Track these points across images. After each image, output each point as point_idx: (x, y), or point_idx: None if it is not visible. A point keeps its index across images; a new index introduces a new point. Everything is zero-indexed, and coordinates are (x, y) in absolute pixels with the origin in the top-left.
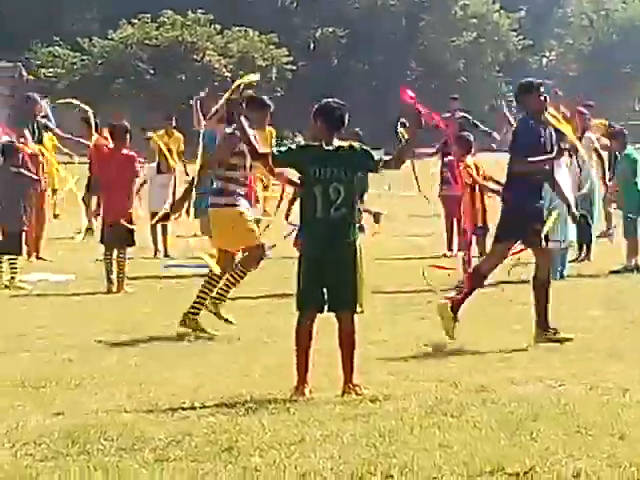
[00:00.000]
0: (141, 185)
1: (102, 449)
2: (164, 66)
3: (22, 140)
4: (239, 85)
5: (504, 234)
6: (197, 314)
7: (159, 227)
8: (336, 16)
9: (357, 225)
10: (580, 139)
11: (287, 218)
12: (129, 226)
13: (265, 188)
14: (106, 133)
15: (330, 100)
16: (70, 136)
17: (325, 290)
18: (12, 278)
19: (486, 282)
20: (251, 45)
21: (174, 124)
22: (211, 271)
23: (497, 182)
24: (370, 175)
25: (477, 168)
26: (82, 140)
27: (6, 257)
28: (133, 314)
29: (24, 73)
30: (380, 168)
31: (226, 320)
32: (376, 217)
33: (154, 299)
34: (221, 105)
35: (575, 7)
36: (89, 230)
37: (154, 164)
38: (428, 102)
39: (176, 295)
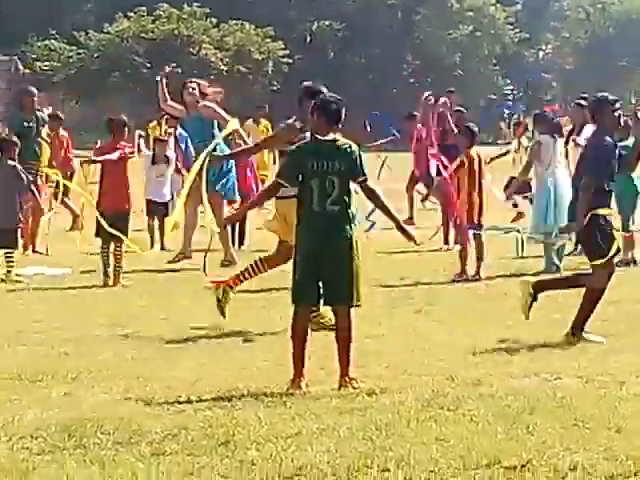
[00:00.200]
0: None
1: (99, 443)
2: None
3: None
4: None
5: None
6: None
7: (156, 220)
8: (332, 9)
9: (354, 218)
10: (579, 132)
11: None
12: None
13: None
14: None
15: (328, 94)
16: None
17: (321, 284)
18: (8, 272)
19: (483, 276)
20: (247, 38)
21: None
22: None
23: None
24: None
25: (479, 158)
26: None
27: (2, 251)
28: (129, 307)
29: (20, 67)
30: (360, 186)
31: (222, 312)
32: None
33: (150, 292)
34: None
35: (571, 0)
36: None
37: (149, 153)
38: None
39: (172, 289)
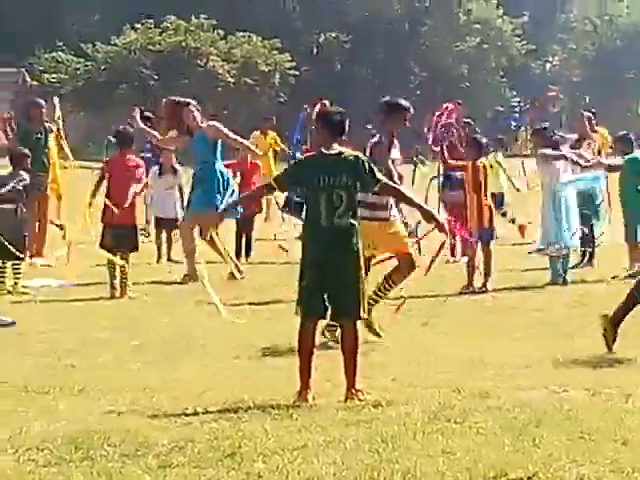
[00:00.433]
0: (142, 190)
1: (105, 455)
2: (167, 71)
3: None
4: None
5: None
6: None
7: (164, 232)
8: (339, 21)
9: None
10: (581, 145)
11: None
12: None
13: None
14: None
15: (331, 107)
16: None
17: (327, 296)
18: (15, 283)
19: (490, 288)
20: (254, 50)
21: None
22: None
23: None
24: None
25: (485, 171)
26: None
27: (10, 262)
28: (136, 319)
29: (27, 78)
30: (376, 189)
31: (377, 333)
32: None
33: (157, 304)
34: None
35: (578, 12)
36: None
37: (156, 168)
38: (432, 107)
39: (179, 300)
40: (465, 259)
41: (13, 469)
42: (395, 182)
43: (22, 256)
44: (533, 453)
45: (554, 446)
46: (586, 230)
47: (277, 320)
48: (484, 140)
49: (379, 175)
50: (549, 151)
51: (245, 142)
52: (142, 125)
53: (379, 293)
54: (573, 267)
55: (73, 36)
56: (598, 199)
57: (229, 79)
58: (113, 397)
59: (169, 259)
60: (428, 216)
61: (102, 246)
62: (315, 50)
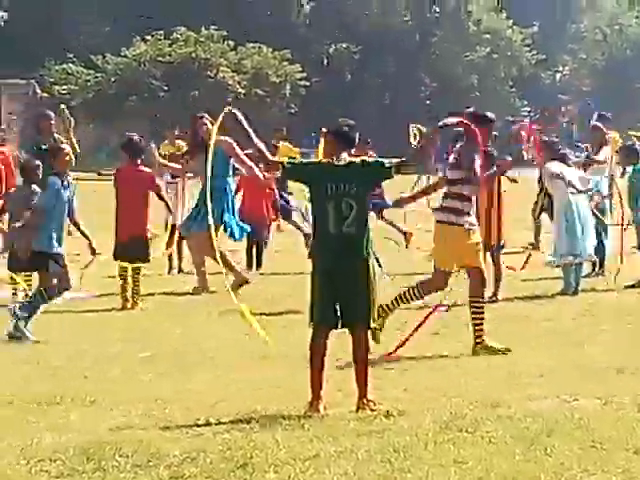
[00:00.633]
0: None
1: (117, 466)
2: (178, 83)
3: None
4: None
5: None
6: (481, 336)
7: (175, 243)
8: (349, 32)
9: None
10: (597, 153)
11: None
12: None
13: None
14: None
15: (341, 120)
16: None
17: (338, 306)
18: (27, 295)
19: (500, 297)
20: (265, 61)
21: (177, 133)
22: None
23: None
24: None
25: (498, 179)
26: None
27: (22, 274)
28: (148, 330)
29: (38, 90)
30: (395, 172)
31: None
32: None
33: (169, 315)
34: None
35: (588, 22)
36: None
37: (168, 177)
38: (442, 117)
39: (191, 311)
40: None
41: None
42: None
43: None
44: (544, 462)
45: (565, 456)
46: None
47: (290, 330)
48: (495, 152)
49: (388, 163)
50: (551, 169)
51: (252, 166)
52: (161, 160)
53: (476, 320)
54: (585, 276)
55: (83, 48)
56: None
57: (239, 90)
58: (125, 408)
59: (180, 270)
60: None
61: (115, 257)
62: (325, 61)
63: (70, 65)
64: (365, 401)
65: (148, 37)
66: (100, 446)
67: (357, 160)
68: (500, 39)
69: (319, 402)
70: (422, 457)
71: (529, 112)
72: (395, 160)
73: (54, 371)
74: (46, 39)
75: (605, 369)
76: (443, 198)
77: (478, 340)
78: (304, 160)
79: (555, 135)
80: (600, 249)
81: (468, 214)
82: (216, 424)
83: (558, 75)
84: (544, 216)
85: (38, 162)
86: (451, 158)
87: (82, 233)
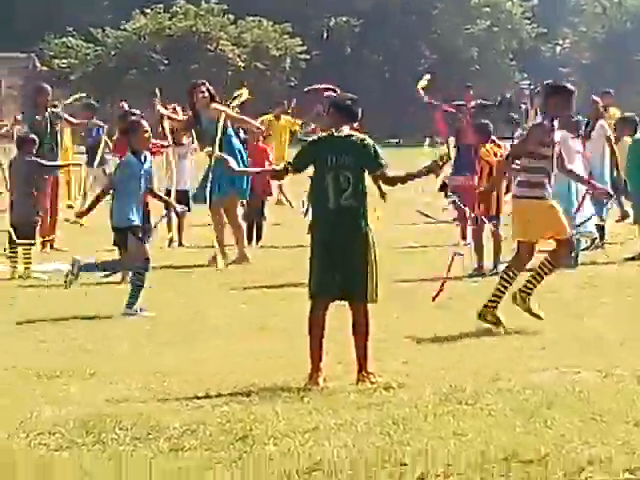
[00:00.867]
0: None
1: (117, 438)
2: (178, 56)
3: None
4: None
5: None
6: (495, 307)
7: (174, 216)
8: (349, 5)
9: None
10: (593, 126)
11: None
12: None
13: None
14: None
15: (343, 94)
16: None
17: (337, 278)
18: (26, 268)
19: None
20: (265, 35)
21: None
22: (509, 264)
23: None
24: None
25: (495, 154)
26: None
27: (20, 247)
28: (148, 303)
29: (37, 64)
30: (378, 176)
31: (536, 315)
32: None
33: (168, 287)
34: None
35: None
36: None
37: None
38: (442, 90)
39: (190, 284)
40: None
41: (25, 453)
42: (564, 166)
43: (33, 241)
44: (545, 435)
45: (565, 428)
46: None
47: (290, 303)
48: (490, 125)
49: (383, 162)
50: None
51: (246, 118)
52: (163, 110)
53: (536, 277)
54: (584, 249)
55: (83, 21)
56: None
57: (239, 63)
58: (125, 381)
59: (180, 244)
60: (432, 167)
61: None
62: (326, 34)
63: (70, 39)
64: (365, 374)
65: (148, 10)
66: (100, 419)
67: (358, 135)
68: (500, 12)
69: (319, 374)
70: (422, 429)
71: (529, 85)
72: (388, 171)
73: (53, 344)
74: (46, 13)
75: (606, 341)
76: (519, 172)
77: (526, 292)
78: (303, 144)
79: None
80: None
81: (542, 185)
82: (215, 396)
83: (558, 48)
84: None
85: (34, 136)
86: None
87: (160, 198)
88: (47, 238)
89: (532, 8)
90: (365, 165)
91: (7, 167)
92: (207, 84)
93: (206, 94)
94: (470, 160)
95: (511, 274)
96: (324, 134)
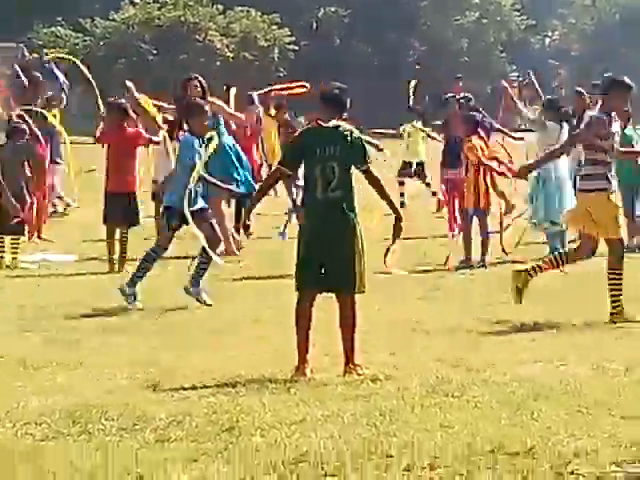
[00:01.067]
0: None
1: (103, 429)
2: (166, 46)
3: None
4: None
5: None
6: (619, 305)
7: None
8: None
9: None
10: (580, 118)
11: None
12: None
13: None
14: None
15: (332, 84)
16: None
17: (324, 270)
18: (14, 259)
19: (487, 261)
20: (253, 25)
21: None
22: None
23: (501, 162)
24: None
25: (482, 149)
26: None
27: (8, 237)
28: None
29: (26, 53)
30: (362, 171)
31: (519, 296)
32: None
33: (156, 278)
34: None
35: None
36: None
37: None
38: (432, 81)
39: (179, 274)
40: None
41: (11, 443)
42: (618, 153)
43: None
44: (531, 427)
45: (552, 420)
46: None
47: (277, 294)
48: (479, 117)
49: (368, 157)
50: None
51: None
52: (137, 94)
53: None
54: (572, 241)
55: (72, 11)
56: None
57: (228, 54)
58: (111, 371)
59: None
60: (397, 219)
61: (105, 220)
62: (314, 25)
63: (59, 28)
64: (352, 366)
65: (137, 0)
66: (86, 409)
67: (346, 127)
68: (489, 4)
69: (306, 366)
70: (408, 421)
71: (518, 77)
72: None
73: (40, 335)
74: (35, 2)
75: (593, 334)
76: (582, 165)
77: (615, 310)
78: (290, 141)
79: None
80: None
81: (606, 178)
82: (202, 387)
83: (547, 40)
84: None
85: (24, 127)
86: (584, 124)
87: (212, 183)
88: (34, 229)
89: (521, 0)
90: (351, 158)
91: None
92: (200, 78)
93: (199, 88)
94: (459, 152)
95: (561, 260)
96: (311, 126)
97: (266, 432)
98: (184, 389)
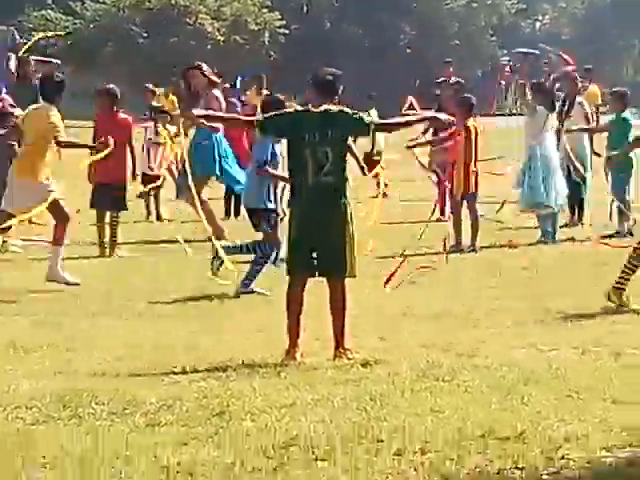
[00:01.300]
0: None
1: (93, 413)
2: (157, 30)
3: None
4: None
5: None
6: (623, 289)
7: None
8: None
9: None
10: (572, 104)
11: None
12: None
13: None
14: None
15: (324, 69)
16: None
17: (315, 255)
18: (4, 241)
19: (477, 245)
20: (244, 8)
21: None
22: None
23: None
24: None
25: (476, 132)
26: None
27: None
28: (125, 277)
29: (17, 37)
30: (373, 132)
31: (636, 311)
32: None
33: (146, 262)
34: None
35: None
36: None
37: (151, 124)
38: (423, 65)
39: (168, 259)
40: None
41: (1, 427)
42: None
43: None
44: (521, 411)
45: (542, 405)
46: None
47: (271, 279)
48: (473, 99)
49: (367, 119)
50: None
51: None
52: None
53: (627, 272)
54: (563, 226)
55: None
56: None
57: (218, 37)
58: (102, 355)
59: (158, 218)
60: (435, 119)
61: (92, 205)
62: (305, 9)
63: (49, 11)
64: (342, 350)
65: None
66: (76, 393)
67: (334, 108)
68: None
69: (296, 350)
70: (398, 405)
71: (509, 61)
72: (377, 120)
73: (31, 318)
74: None
75: (583, 319)
76: None
77: (618, 286)
78: (278, 112)
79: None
80: (576, 198)
81: None
82: (192, 372)
83: (538, 24)
84: None
85: (12, 110)
86: None
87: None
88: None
89: None
90: (355, 131)
91: None
92: (203, 66)
93: (202, 77)
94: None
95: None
96: (300, 109)
97: (256, 416)
98: (174, 373)
